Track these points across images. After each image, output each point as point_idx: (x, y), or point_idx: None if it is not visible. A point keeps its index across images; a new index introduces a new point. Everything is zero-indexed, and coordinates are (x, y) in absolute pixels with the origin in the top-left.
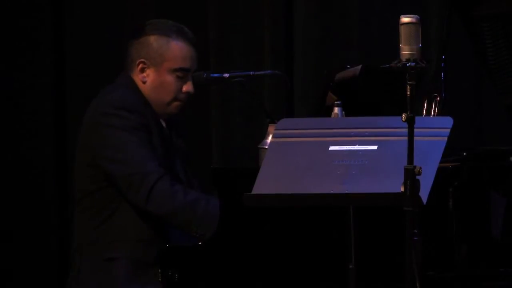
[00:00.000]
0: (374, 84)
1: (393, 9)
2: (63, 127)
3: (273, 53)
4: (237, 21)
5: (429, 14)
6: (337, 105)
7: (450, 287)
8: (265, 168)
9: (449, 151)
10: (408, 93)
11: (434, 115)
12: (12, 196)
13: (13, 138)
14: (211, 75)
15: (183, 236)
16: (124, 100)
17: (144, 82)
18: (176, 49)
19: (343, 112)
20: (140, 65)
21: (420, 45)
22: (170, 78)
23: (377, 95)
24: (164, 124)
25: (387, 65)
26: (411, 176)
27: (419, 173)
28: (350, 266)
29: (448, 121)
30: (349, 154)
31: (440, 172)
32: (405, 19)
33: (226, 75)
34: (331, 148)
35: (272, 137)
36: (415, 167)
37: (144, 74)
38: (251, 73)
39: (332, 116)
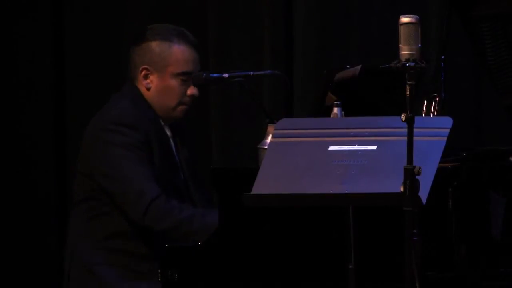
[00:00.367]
0: (373, 84)
1: (393, 9)
2: (63, 127)
3: (272, 53)
4: (237, 21)
5: (428, 14)
6: (337, 105)
7: (450, 287)
8: (265, 168)
9: (449, 151)
10: (408, 93)
11: (433, 115)
12: (12, 196)
13: (13, 138)
14: (211, 75)
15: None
16: (125, 116)
17: (148, 89)
18: (178, 53)
19: (343, 112)
20: (143, 72)
21: (420, 45)
22: (174, 83)
23: (376, 95)
24: (169, 132)
25: (387, 65)
26: (410, 176)
27: (419, 173)
28: (350, 266)
29: (448, 121)
30: (349, 154)
31: (440, 172)
32: (404, 19)
33: (226, 75)
34: (331, 148)
35: (272, 137)
36: (414, 167)
37: (148, 81)
38: (251, 73)
39: (331, 116)
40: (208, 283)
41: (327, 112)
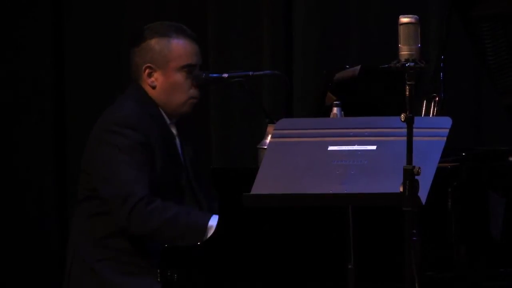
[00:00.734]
0: (373, 84)
1: (393, 9)
2: (62, 127)
3: (272, 53)
4: (236, 21)
5: (428, 14)
6: (336, 105)
7: (450, 287)
8: (264, 168)
9: (448, 151)
10: (407, 93)
11: (433, 115)
12: (11, 196)
13: (13, 138)
14: (210, 75)
15: None
16: (129, 117)
17: (153, 87)
18: (178, 47)
19: (342, 112)
20: (147, 70)
21: (419, 45)
22: (178, 77)
23: (376, 95)
24: (175, 131)
25: (386, 65)
26: (410, 176)
27: (418, 173)
28: (349, 266)
29: (447, 121)
30: (348, 154)
31: (439, 172)
32: (404, 19)
33: (225, 75)
34: (330, 148)
35: (271, 137)
36: (414, 167)
37: (152, 79)
38: (250, 73)
39: (331, 116)
40: (207, 283)
41: (327, 112)
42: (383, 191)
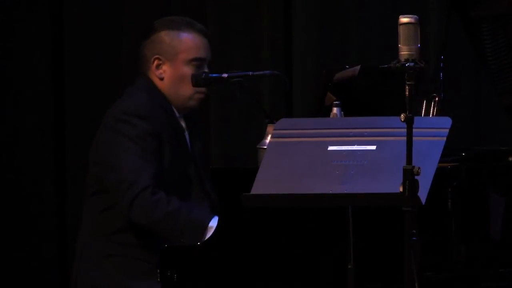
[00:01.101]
0: (373, 84)
1: (392, 9)
2: (62, 127)
3: (272, 53)
4: (236, 21)
5: (428, 14)
6: (336, 105)
7: (449, 287)
8: (264, 168)
9: (448, 151)
10: (407, 93)
11: (433, 115)
12: (11, 196)
13: (12, 138)
14: (210, 75)
15: None
16: (138, 105)
17: (161, 79)
18: (188, 40)
19: (342, 112)
20: (156, 62)
21: (419, 45)
22: (187, 70)
23: (376, 95)
24: (183, 123)
25: (386, 65)
26: (410, 176)
27: (418, 173)
28: (349, 266)
29: (447, 121)
30: (348, 154)
31: (439, 172)
32: (404, 19)
33: (225, 75)
34: (330, 148)
35: (271, 137)
36: (413, 167)
37: (161, 71)
38: (250, 73)
39: (331, 116)
40: (207, 283)
41: (327, 112)
42: (383, 191)
